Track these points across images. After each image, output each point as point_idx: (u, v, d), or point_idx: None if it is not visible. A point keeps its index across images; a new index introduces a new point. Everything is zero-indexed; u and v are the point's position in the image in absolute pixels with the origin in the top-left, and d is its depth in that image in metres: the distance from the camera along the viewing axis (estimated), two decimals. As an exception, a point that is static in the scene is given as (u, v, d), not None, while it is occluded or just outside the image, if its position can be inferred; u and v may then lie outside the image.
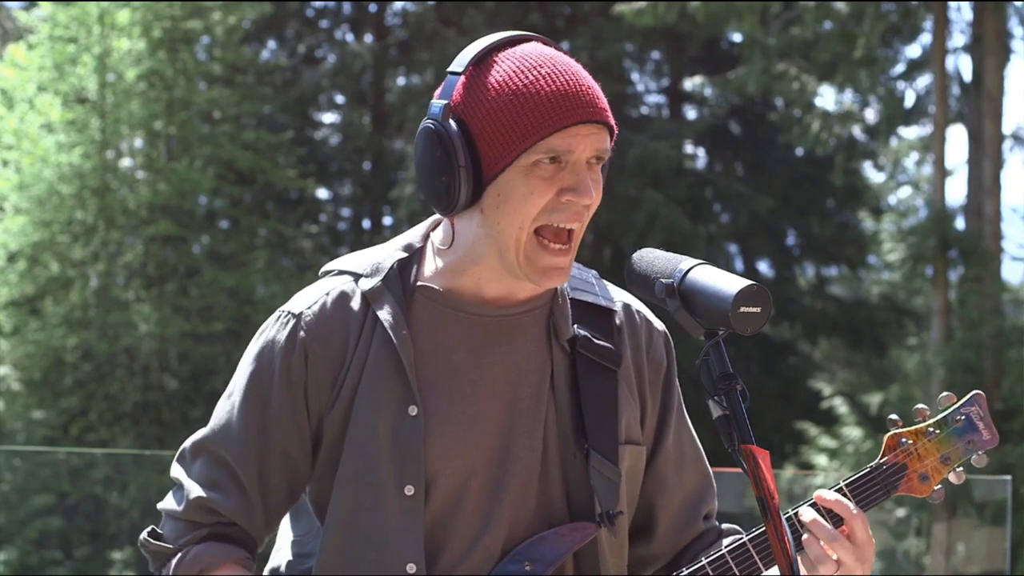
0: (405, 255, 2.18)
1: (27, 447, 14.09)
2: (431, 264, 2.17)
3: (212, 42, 16.90)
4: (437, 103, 2.07)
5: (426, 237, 2.21)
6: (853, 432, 14.77)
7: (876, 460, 2.27)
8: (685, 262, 2.04)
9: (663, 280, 2.03)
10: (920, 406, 2.28)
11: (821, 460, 14.82)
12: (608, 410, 2.16)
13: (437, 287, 2.15)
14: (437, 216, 2.22)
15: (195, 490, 2.15)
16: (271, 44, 21.13)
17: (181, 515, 2.16)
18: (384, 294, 2.13)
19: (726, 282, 1.98)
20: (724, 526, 2.33)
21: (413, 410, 2.09)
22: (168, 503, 2.20)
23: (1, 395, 15.86)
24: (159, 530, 2.19)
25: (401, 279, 2.15)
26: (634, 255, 2.11)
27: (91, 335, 15.35)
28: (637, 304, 2.27)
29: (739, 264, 19.63)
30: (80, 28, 15.54)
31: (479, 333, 2.14)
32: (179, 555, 2.14)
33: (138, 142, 16.57)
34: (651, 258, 2.08)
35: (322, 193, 20.95)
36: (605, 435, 2.15)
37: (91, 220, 15.59)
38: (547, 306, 2.19)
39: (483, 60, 2.08)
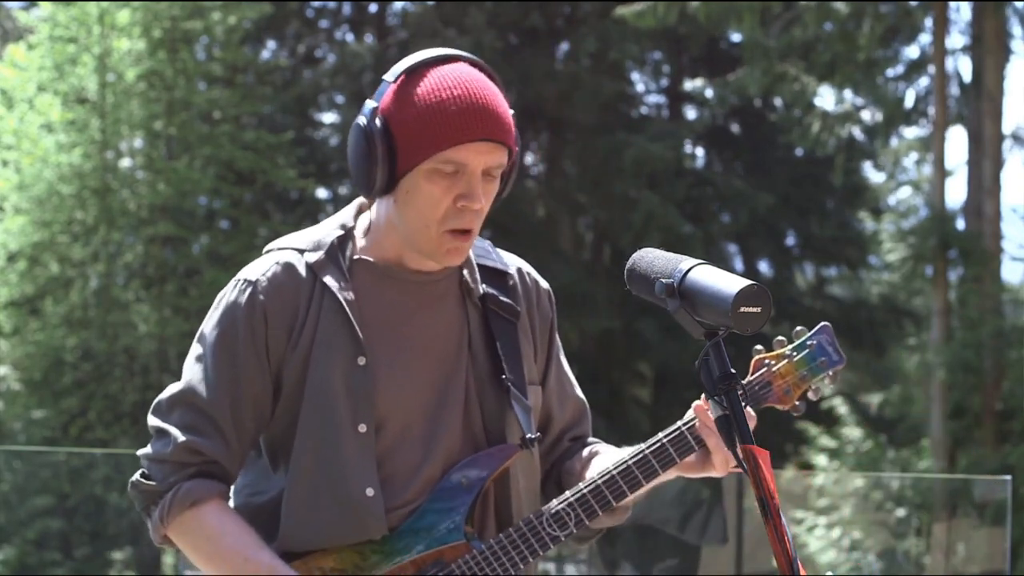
0: (342, 232, 2.54)
1: (27, 447, 14.09)
2: (362, 240, 2.53)
3: (212, 42, 16.90)
4: (369, 104, 2.43)
5: (356, 216, 2.57)
6: (853, 432, 14.78)
7: (746, 379, 2.58)
8: (685, 262, 2.05)
9: (663, 280, 2.04)
10: (779, 338, 2.64)
11: (821, 460, 14.83)
12: (515, 355, 2.54)
13: (370, 259, 2.51)
14: (362, 200, 2.60)
15: (180, 435, 2.44)
16: (271, 44, 21.12)
17: (169, 457, 2.45)
18: (328, 265, 2.49)
19: (726, 282, 1.99)
20: (589, 440, 2.71)
21: (362, 360, 2.44)
22: (152, 449, 2.49)
23: (1, 395, 15.86)
24: (147, 473, 2.50)
25: (341, 252, 2.51)
26: (634, 255, 2.13)
27: (91, 335, 15.35)
28: (526, 267, 2.66)
29: (739, 264, 19.64)
30: (80, 28, 15.55)
31: (409, 296, 2.50)
32: (172, 491, 2.45)
33: (138, 142, 16.57)
34: (651, 258, 2.10)
35: (322, 193, 20.94)
36: (517, 375, 2.53)
37: (91, 220, 15.60)
38: (459, 271, 2.55)
39: (413, 72, 2.43)
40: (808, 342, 2.64)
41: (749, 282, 1.97)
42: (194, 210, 16.38)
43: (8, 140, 15.48)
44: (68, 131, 15.48)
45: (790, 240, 20.24)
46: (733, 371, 2.00)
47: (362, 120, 2.42)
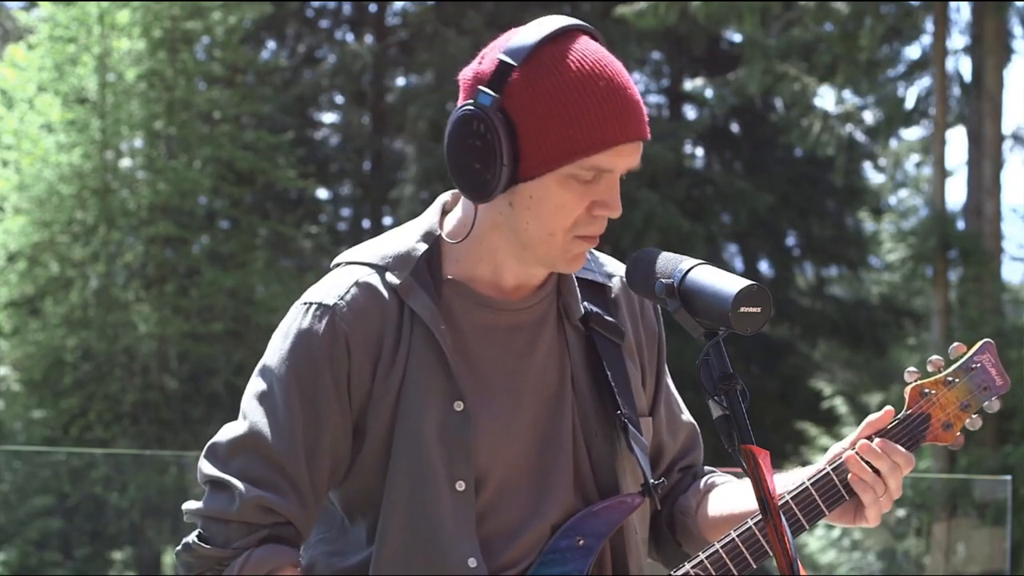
0: (426, 246, 2.15)
1: (27, 447, 14.09)
2: (450, 253, 2.15)
3: (212, 42, 16.90)
4: (487, 92, 2.03)
5: (441, 220, 2.19)
6: (853, 432, 14.77)
7: (902, 412, 2.31)
8: (685, 262, 2.05)
9: (663, 280, 2.04)
10: (934, 357, 2.32)
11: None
12: (625, 385, 2.20)
13: (462, 280, 2.14)
14: (446, 197, 2.22)
15: (249, 490, 2.06)
16: (271, 44, 21.13)
17: (234, 516, 2.07)
18: (415, 288, 2.11)
19: (726, 282, 1.98)
20: (705, 469, 2.39)
21: (459, 405, 2.09)
22: (208, 505, 2.10)
23: (1, 395, 15.86)
24: (205, 535, 2.09)
25: (429, 271, 2.13)
26: (634, 255, 2.11)
27: (91, 335, 15.34)
28: None
29: (739, 264, 19.63)
30: (80, 28, 15.55)
31: (505, 326, 2.14)
32: (241, 558, 2.06)
33: (138, 142, 16.57)
34: (651, 258, 2.09)
35: (322, 193, 20.96)
36: (630, 408, 2.19)
37: (91, 220, 15.60)
38: (556, 289, 2.20)
39: (537, 55, 2.04)
40: (971, 364, 2.32)
41: (749, 282, 1.97)
42: (194, 210, 16.37)
43: (8, 140, 15.48)
44: (68, 131, 15.48)
45: (790, 240, 20.23)
46: (732, 371, 1.99)
47: (476, 110, 2.04)
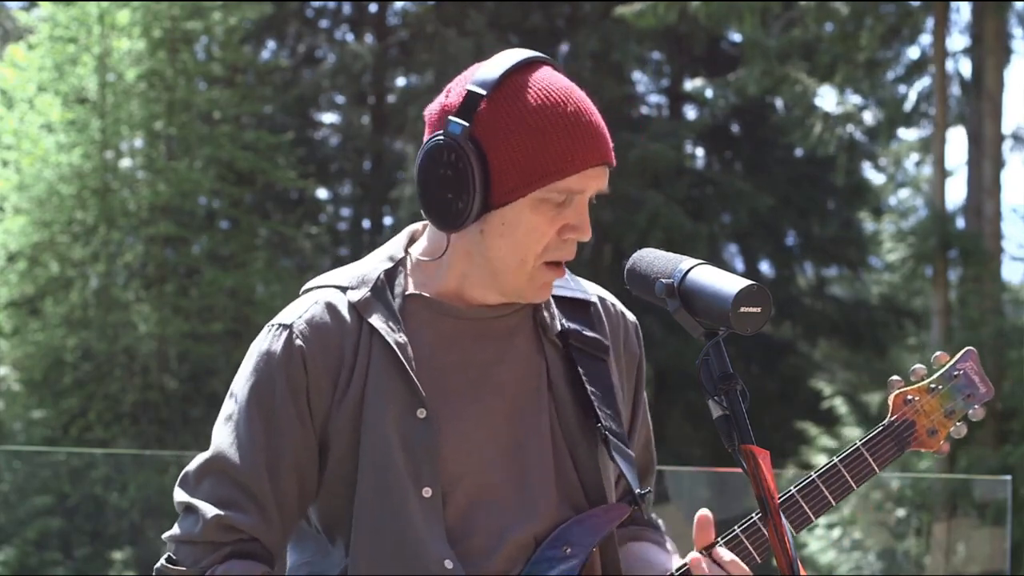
0: (390, 265, 2.20)
1: (27, 447, 14.09)
2: (416, 273, 2.20)
3: (212, 42, 16.90)
4: (457, 122, 2.08)
5: (407, 247, 2.25)
6: (853, 432, 14.77)
7: (887, 419, 2.33)
8: (685, 262, 2.05)
9: (663, 280, 2.04)
10: (917, 366, 2.35)
11: (821, 460, 14.82)
12: (609, 397, 2.22)
13: (426, 294, 2.18)
14: (416, 226, 2.27)
15: (210, 510, 2.11)
16: (271, 44, 21.13)
17: (199, 537, 2.12)
18: (374, 303, 2.15)
19: (726, 282, 1.98)
20: (645, 518, 2.36)
21: (422, 413, 2.12)
22: (179, 529, 2.15)
23: (1, 395, 15.86)
24: (174, 557, 2.14)
25: (390, 288, 2.18)
26: (634, 255, 2.12)
27: (91, 335, 15.34)
28: (610, 297, 2.34)
29: (739, 264, 19.63)
30: (80, 28, 15.55)
31: (471, 335, 2.18)
32: None
33: (138, 142, 16.57)
34: (651, 258, 2.09)
35: (322, 193, 20.95)
36: (615, 420, 2.21)
37: (91, 220, 15.60)
38: (530, 305, 2.22)
39: (504, 84, 2.10)
40: (953, 372, 2.35)
41: (749, 282, 1.97)
42: (194, 210, 16.37)
43: (8, 140, 15.48)
44: (68, 131, 15.48)
45: (790, 240, 20.23)
46: (732, 371, 1.99)
47: (447, 140, 2.08)
